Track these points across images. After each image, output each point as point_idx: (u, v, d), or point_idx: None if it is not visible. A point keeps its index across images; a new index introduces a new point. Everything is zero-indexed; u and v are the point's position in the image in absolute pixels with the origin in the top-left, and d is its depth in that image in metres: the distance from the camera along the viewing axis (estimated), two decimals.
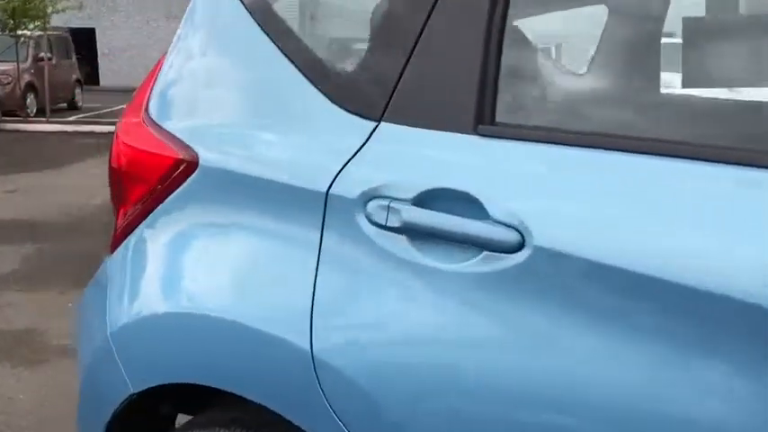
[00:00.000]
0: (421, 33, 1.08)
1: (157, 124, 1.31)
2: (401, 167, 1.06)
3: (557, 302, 0.91)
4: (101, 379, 1.36)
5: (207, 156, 1.22)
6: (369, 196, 1.04)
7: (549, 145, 0.98)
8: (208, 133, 1.25)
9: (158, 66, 1.39)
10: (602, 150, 0.94)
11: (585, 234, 0.90)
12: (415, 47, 1.08)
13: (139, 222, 1.31)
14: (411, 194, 1.01)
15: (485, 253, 0.95)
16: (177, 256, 1.30)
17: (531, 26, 1.38)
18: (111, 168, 1.39)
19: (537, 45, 1.43)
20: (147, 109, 1.34)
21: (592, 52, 1.80)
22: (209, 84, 1.33)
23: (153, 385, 1.26)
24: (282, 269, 1.14)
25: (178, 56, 1.35)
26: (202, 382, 1.22)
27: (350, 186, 1.06)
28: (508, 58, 1.06)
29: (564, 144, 0.98)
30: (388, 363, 1.02)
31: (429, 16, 1.07)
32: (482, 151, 1.01)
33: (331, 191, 1.07)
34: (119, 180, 1.37)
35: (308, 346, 1.07)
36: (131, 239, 1.33)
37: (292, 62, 1.18)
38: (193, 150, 1.23)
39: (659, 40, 1.70)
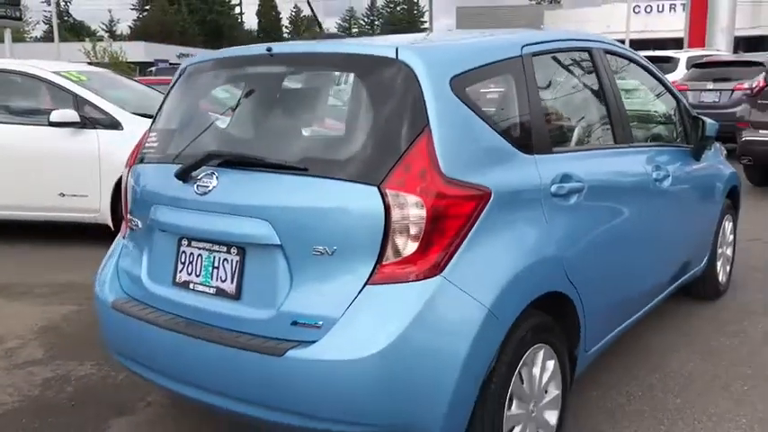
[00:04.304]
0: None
1: (452, 177, 2.25)
2: (552, 170, 2.64)
3: (598, 206, 2.92)
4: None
5: (495, 187, 2.33)
6: (551, 184, 2.61)
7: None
8: (485, 176, 2.34)
9: (424, 141, 2.24)
10: None
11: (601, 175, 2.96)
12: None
13: (462, 243, 2.23)
14: (559, 178, 2.65)
15: (579, 194, 2.73)
16: (507, 243, 2.40)
17: None
18: (432, 213, 2.19)
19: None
20: (439, 168, 2.23)
21: None
22: (470, 148, 2.39)
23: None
24: (535, 226, 2.54)
25: (441, 133, 2.25)
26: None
27: (546, 183, 2.59)
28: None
29: None
30: (584, 249, 2.76)
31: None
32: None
33: (542, 188, 2.57)
34: (444, 221, 2.21)
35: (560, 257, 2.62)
36: (465, 254, 2.24)
37: (494, 130, 2.50)
38: (486, 187, 2.32)
39: None
